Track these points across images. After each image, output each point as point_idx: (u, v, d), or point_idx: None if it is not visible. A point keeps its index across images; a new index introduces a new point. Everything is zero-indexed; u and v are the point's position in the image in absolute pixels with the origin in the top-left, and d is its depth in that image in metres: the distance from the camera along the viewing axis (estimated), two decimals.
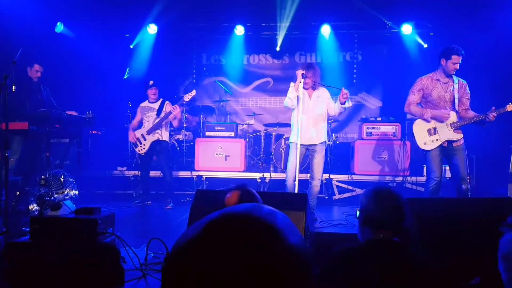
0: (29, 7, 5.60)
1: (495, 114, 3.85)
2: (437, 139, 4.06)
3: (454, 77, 4.12)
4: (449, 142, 4.06)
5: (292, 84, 4.35)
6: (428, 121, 4.10)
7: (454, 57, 3.96)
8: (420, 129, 4.16)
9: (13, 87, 3.23)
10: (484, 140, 5.90)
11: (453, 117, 4.07)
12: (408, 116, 6.62)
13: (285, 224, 0.65)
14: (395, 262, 1.57)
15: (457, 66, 3.99)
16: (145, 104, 5.73)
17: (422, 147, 4.14)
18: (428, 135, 4.10)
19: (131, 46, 7.76)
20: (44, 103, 4.89)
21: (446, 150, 4.09)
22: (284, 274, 0.59)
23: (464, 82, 4.16)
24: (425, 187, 4.34)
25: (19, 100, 4.44)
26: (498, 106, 3.89)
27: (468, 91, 4.15)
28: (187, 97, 5.54)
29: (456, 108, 4.10)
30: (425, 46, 7.26)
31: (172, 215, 5.15)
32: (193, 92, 5.56)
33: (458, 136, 4.04)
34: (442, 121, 4.04)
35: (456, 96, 4.07)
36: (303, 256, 0.63)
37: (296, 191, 4.12)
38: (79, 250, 2.29)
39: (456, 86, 4.08)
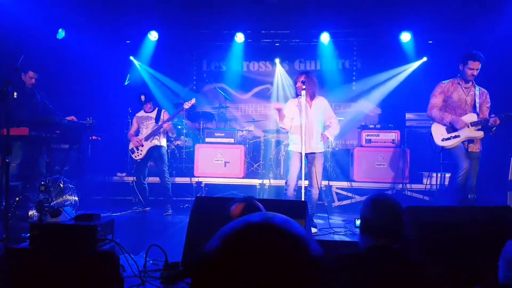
0: (30, 14, 5.63)
1: (496, 119, 3.91)
2: (456, 136, 4.04)
3: (476, 85, 4.15)
4: (469, 143, 4.02)
5: (277, 117, 4.47)
6: (446, 126, 4.11)
7: (470, 62, 3.97)
8: (438, 127, 4.18)
9: (15, 93, 3.25)
10: (483, 148, 5.91)
11: (474, 117, 4.07)
12: (407, 124, 6.67)
13: (304, 232, 0.67)
14: (395, 270, 1.57)
15: (474, 72, 3.99)
16: (141, 114, 5.80)
17: (440, 143, 4.12)
18: (447, 132, 4.10)
19: (131, 58, 7.82)
20: (38, 106, 4.87)
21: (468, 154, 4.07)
22: (310, 279, 0.61)
23: (485, 91, 4.20)
24: (451, 181, 4.27)
25: (18, 105, 4.45)
26: (496, 113, 3.93)
27: (489, 99, 4.18)
28: (186, 105, 5.59)
29: (477, 111, 4.10)
30: (425, 59, 7.32)
31: (171, 221, 5.14)
32: (193, 100, 5.61)
33: (479, 134, 4.02)
34: (456, 128, 4.03)
35: (478, 100, 4.08)
36: (322, 262, 0.65)
37: (303, 199, 4.13)
38: (78, 256, 2.29)
39: (477, 92, 4.11)
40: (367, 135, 6.16)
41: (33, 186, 4.26)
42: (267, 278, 0.59)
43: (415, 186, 5.77)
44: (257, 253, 0.61)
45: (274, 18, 7.05)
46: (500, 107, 4.05)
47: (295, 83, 4.45)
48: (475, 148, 4.06)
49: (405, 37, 7.23)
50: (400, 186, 5.84)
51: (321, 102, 4.53)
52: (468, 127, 4.02)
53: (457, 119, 4.05)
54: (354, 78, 8.01)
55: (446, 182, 5.42)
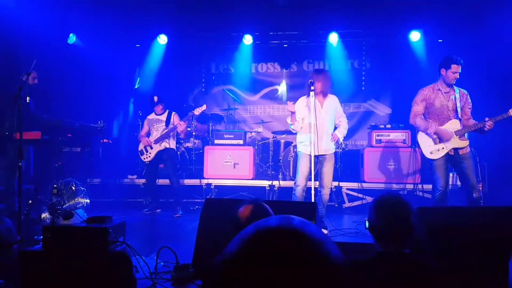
0: (42, 19, 5.73)
1: (491, 123, 3.86)
2: (443, 148, 4.03)
3: (455, 87, 4.12)
4: (456, 150, 4.02)
5: (288, 118, 4.42)
6: (431, 136, 4.08)
7: (453, 66, 3.96)
8: (425, 138, 4.14)
9: (28, 98, 3.31)
10: (496, 147, 5.83)
11: (457, 125, 4.05)
12: None
13: (324, 235, 0.66)
14: (405, 277, 1.50)
15: (457, 75, 3.99)
16: (152, 116, 5.83)
17: (429, 156, 4.11)
18: (434, 144, 4.07)
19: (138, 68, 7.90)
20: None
21: (453, 158, 4.06)
22: (331, 284, 0.61)
23: (465, 92, 4.16)
24: (431, 197, 4.30)
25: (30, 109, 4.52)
26: (502, 112, 3.88)
27: (470, 100, 4.15)
28: (197, 111, 5.59)
29: (459, 116, 4.08)
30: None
31: (181, 223, 5.17)
32: (204, 107, 5.59)
33: (464, 143, 4.01)
34: (441, 139, 4.02)
35: (459, 104, 4.06)
36: (343, 268, 0.65)
37: (312, 200, 4.10)
38: (90, 259, 2.32)
39: (457, 95, 4.08)
40: (377, 135, 6.11)
41: (46, 189, 4.33)
42: (288, 283, 0.59)
43: (426, 187, 5.69)
44: (275, 258, 0.60)
45: (282, 19, 7.05)
46: (505, 107, 3.96)
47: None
48: (464, 151, 4.01)
49: (415, 36, 7.17)
50: (411, 186, 5.78)
51: (333, 101, 4.47)
52: (453, 136, 4.00)
53: (442, 132, 4.01)
54: (363, 78, 7.96)
55: (458, 182, 5.35)
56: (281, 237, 0.64)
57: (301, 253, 0.62)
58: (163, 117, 5.76)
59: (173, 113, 5.82)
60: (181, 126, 5.54)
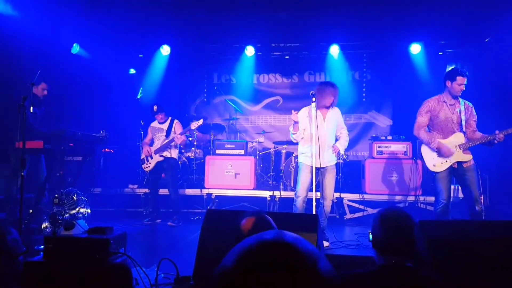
0: (46, 30, 5.80)
1: (502, 136, 3.84)
2: (446, 161, 4.03)
3: (460, 99, 4.12)
4: (459, 163, 4.02)
5: (291, 127, 4.43)
6: (433, 150, 4.09)
7: (459, 78, 3.98)
8: (428, 150, 4.14)
9: (31, 108, 3.33)
10: (497, 160, 5.82)
11: (461, 138, 4.05)
12: None
13: (314, 249, 0.68)
14: None
15: (463, 87, 4.00)
16: (155, 124, 5.85)
17: (432, 168, 4.11)
18: (438, 157, 4.07)
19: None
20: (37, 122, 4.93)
21: (457, 171, 4.06)
22: None
23: (470, 104, 4.16)
24: (433, 209, 4.28)
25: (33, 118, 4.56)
26: (508, 126, 3.88)
27: (475, 113, 4.14)
28: (193, 126, 5.58)
29: (464, 129, 4.08)
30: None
31: (182, 233, 5.15)
32: (200, 121, 5.58)
33: (468, 157, 4.01)
34: (442, 155, 4.03)
35: (463, 117, 4.06)
36: (333, 281, 0.66)
37: (314, 212, 4.09)
38: (91, 270, 2.31)
39: (462, 108, 4.08)
40: (379, 147, 6.12)
41: (47, 199, 4.33)
42: None
43: (429, 199, 5.68)
44: (269, 270, 0.63)
45: (284, 31, 7.12)
46: (504, 122, 3.97)
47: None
48: (468, 164, 4.01)
49: (415, 48, 7.23)
50: (413, 198, 5.77)
51: (335, 113, 4.48)
52: (457, 150, 3.99)
53: (444, 148, 4.01)
54: (364, 89, 8.00)
55: (460, 194, 5.34)
56: (274, 251, 0.66)
57: (292, 267, 0.64)
58: (165, 126, 5.78)
59: (175, 121, 5.81)
60: (178, 139, 5.55)
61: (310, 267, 0.65)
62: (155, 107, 5.76)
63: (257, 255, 0.66)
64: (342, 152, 4.55)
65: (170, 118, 5.84)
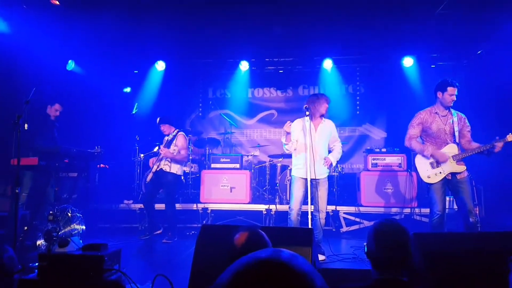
0: (41, 47, 5.84)
1: (502, 144, 3.84)
2: (440, 172, 4.04)
3: (453, 111, 4.16)
4: (453, 174, 4.04)
5: (283, 137, 4.46)
6: (427, 158, 4.11)
7: (449, 88, 4.03)
8: (422, 162, 4.16)
9: (26, 125, 3.34)
10: (491, 171, 5.86)
11: (454, 149, 4.07)
12: None
13: (310, 268, 0.70)
14: None
15: (454, 98, 4.05)
16: (166, 136, 5.82)
17: (426, 180, 4.12)
18: (431, 168, 4.08)
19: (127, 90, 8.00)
20: (55, 139, 5.01)
21: (451, 183, 4.07)
22: None
23: (463, 115, 4.20)
24: (428, 221, 4.29)
25: (40, 135, 4.61)
26: (501, 137, 3.91)
27: (468, 123, 4.18)
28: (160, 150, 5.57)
29: (457, 140, 4.11)
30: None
31: (177, 249, 5.11)
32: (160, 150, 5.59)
33: (461, 168, 4.02)
34: (439, 162, 4.05)
35: (456, 128, 4.09)
36: None
37: (309, 225, 4.09)
38: (86, 287, 2.29)
39: (455, 119, 4.12)
40: (373, 159, 6.16)
41: (42, 215, 4.30)
42: None
43: (424, 210, 5.70)
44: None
45: (277, 46, 7.22)
46: (499, 133, 4.00)
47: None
48: (462, 175, 4.03)
49: (408, 62, 7.35)
50: (408, 210, 5.78)
51: (328, 125, 4.53)
52: (450, 161, 4.02)
53: (438, 154, 4.04)
54: (358, 102, 8.09)
55: (454, 206, 5.36)
56: (270, 270, 0.67)
57: (287, 285, 0.65)
58: (169, 137, 5.70)
59: (179, 134, 5.67)
60: (162, 152, 5.51)
61: (305, 285, 0.66)
62: (157, 119, 5.77)
63: (252, 274, 0.66)
64: (334, 164, 4.57)
65: (176, 131, 5.70)
